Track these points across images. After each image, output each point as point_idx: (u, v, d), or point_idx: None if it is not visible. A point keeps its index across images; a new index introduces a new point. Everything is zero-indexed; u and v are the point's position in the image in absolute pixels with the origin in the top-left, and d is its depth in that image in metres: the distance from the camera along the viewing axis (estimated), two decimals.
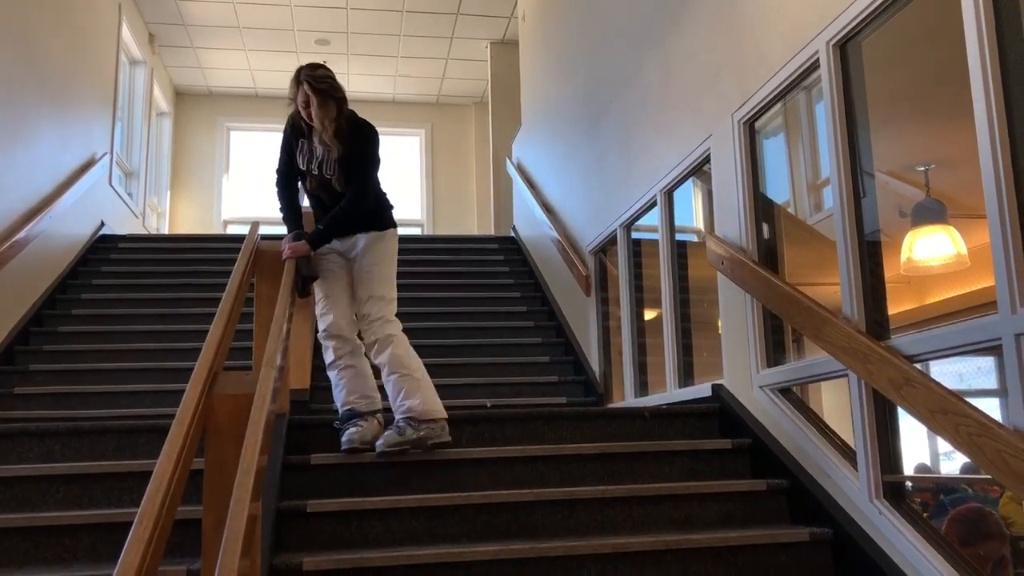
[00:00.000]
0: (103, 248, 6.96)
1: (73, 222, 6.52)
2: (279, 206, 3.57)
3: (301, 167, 3.49)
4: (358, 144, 3.42)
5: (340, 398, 3.41)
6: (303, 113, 3.35)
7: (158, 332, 5.49)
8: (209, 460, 2.17)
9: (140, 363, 5.07)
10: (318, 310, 3.49)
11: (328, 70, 3.37)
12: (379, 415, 3.42)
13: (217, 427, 2.16)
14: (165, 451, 1.85)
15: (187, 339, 5.36)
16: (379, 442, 3.20)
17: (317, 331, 3.53)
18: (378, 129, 3.55)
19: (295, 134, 3.50)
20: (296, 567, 2.58)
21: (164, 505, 1.70)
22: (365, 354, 3.48)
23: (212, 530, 2.12)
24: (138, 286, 6.24)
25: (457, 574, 2.69)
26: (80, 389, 4.76)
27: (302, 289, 3.40)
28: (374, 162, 3.48)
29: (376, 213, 3.53)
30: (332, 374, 3.44)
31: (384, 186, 3.65)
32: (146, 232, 8.88)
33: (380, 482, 3.21)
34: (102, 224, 7.27)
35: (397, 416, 3.28)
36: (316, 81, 3.29)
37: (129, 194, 8.46)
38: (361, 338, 3.47)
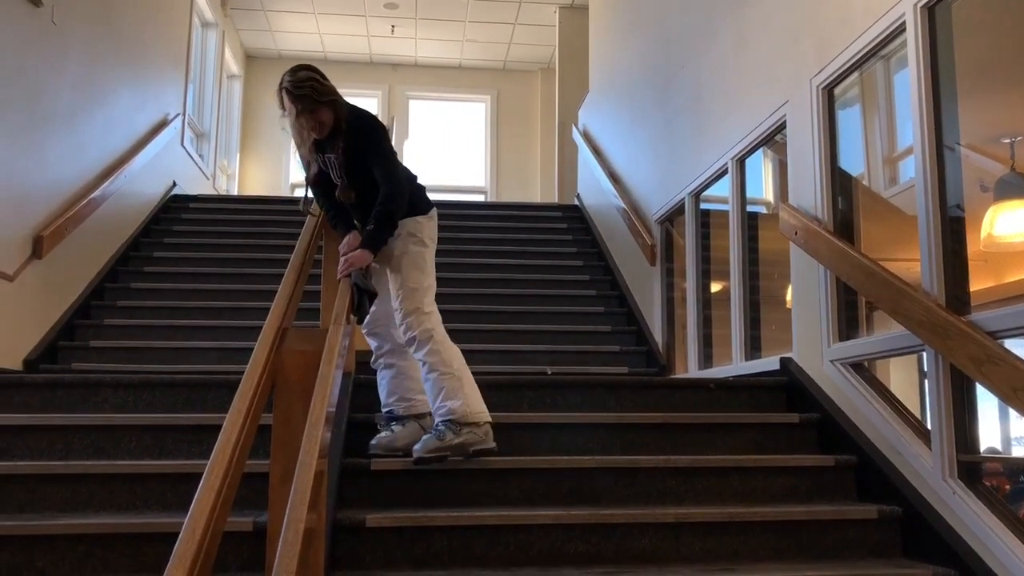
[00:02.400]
0: (175, 207, 7.11)
1: (146, 181, 6.67)
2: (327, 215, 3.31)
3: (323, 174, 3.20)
4: (360, 141, 3.04)
5: (382, 397, 3.23)
6: (293, 124, 2.98)
7: (226, 291, 5.60)
8: (277, 415, 2.20)
9: (208, 320, 5.18)
10: None
11: (311, 71, 2.95)
12: (423, 420, 3.15)
13: (286, 382, 2.19)
14: (235, 404, 1.88)
15: (254, 299, 5.45)
16: (416, 447, 2.94)
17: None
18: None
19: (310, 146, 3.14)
20: (359, 523, 2.61)
21: (233, 457, 1.73)
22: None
23: (279, 483, 2.15)
24: (208, 246, 6.37)
25: (518, 537, 2.69)
26: (151, 344, 4.89)
27: (359, 310, 2.94)
28: (387, 148, 3.10)
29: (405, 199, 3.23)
30: (377, 372, 3.26)
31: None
32: (216, 193, 9.05)
33: None
34: (174, 184, 7.42)
35: (436, 419, 2.97)
36: (295, 87, 2.88)
37: (200, 155, 8.61)
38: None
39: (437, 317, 3.08)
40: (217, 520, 1.57)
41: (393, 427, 3.11)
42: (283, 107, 2.95)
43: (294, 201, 7.86)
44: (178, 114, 7.60)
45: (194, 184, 8.09)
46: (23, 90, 4.45)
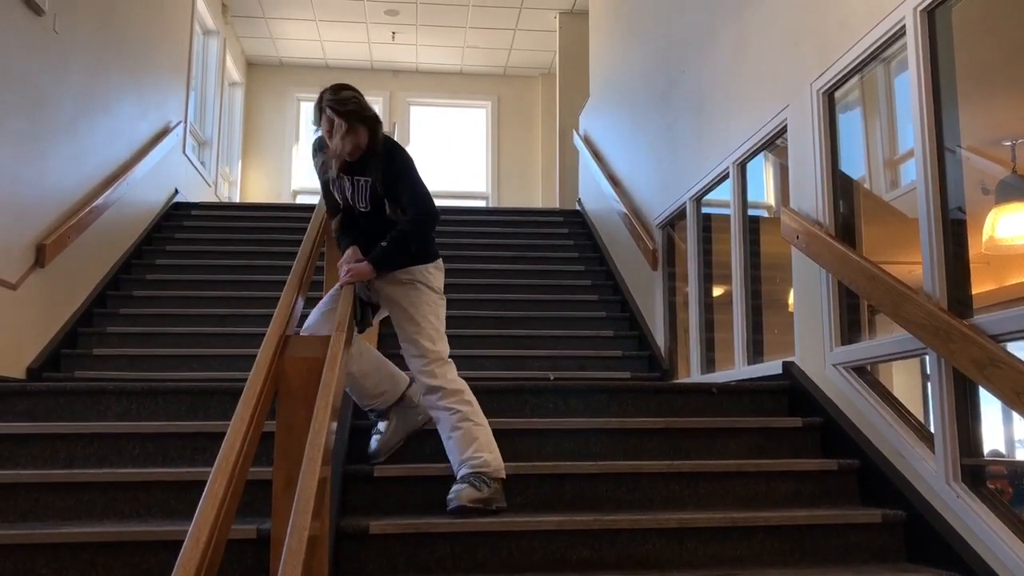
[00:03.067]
0: (177, 215, 7.12)
1: (148, 189, 6.68)
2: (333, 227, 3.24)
3: (338, 191, 3.09)
4: (393, 169, 2.96)
5: (356, 401, 3.15)
6: (329, 142, 2.94)
7: (229, 298, 5.60)
8: (280, 422, 2.20)
9: (211, 328, 5.19)
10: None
11: (353, 91, 2.94)
12: (401, 402, 3.10)
13: (288, 389, 2.20)
14: (238, 412, 1.88)
15: (257, 305, 5.45)
16: (452, 497, 2.77)
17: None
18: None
19: (325, 163, 3.08)
20: (363, 530, 2.61)
21: (237, 464, 1.73)
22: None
23: (282, 491, 2.16)
24: (210, 253, 6.37)
25: (521, 543, 2.69)
26: (154, 352, 4.89)
27: (362, 321, 3.00)
28: (417, 178, 3.00)
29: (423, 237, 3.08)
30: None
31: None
32: (218, 200, 9.06)
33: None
34: (176, 191, 7.43)
35: (466, 468, 2.81)
36: (340, 104, 2.87)
37: (202, 162, 8.62)
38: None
39: (452, 362, 3.01)
40: (221, 528, 1.57)
41: (380, 426, 3.10)
42: (318, 123, 2.96)
43: (294, 208, 7.91)
44: (180, 122, 7.61)
45: (196, 191, 8.11)
46: (25, 98, 4.47)
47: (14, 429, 3.10)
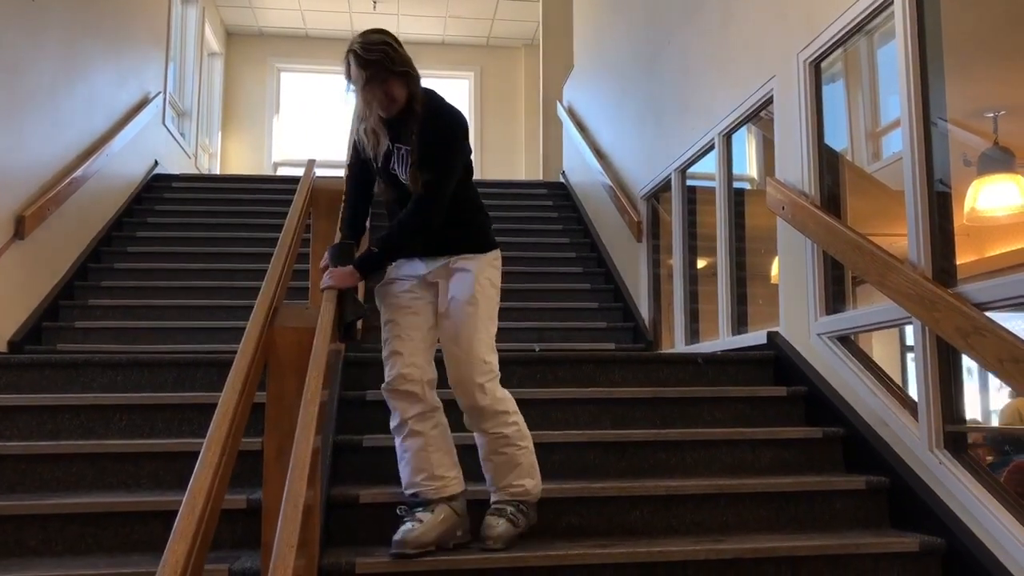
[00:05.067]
0: (157, 187, 7.04)
1: (128, 161, 6.59)
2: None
3: (376, 165, 2.64)
4: (433, 139, 2.50)
5: (404, 476, 2.54)
6: (359, 96, 2.50)
7: (211, 271, 5.56)
8: (270, 392, 2.19)
9: (194, 300, 5.16)
10: (384, 352, 2.59)
11: (385, 34, 2.48)
12: (454, 503, 2.52)
13: (278, 360, 2.19)
14: (230, 381, 1.87)
15: (240, 278, 5.42)
16: (487, 534, 2.48)
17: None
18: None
19: (359, 136, 2.65)
20: (353, 499, 2.62)
21: (230, 433, 1.73)
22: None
23: (273, 460, 2.16)
24: (192, 225, 6.31)
25: None
26: (137, 325, 4.86)
27: (344, 333, 2.51)
28: (455, 160, 2.54)
29: (467, 227, 2.63)
30: (396, 441, 2.57)
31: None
32: (198, 172, 8.97)
33: None
34: (156, 163, 7.35)
35: (504, 495, 2.54)
36: (365, 50, 2.41)
37: (182, 134, 8.52)
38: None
39: (498, 376, 2.60)
40: (215, 496, 1.57)
41: (419, 515, 2.46)
42: (348, 75, 2.47)
43: (275, 180, 7.83)
44: (159, 92, 7.51)
45: (176, 163, 8.01)
46: (4, 67, 4.39)
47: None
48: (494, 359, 2.55)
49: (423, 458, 2.50)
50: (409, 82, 2.48)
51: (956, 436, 2.70)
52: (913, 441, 2.81)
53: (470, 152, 2.64)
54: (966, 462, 2.64)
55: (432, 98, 2.57)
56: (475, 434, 2.58)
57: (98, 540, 2.52)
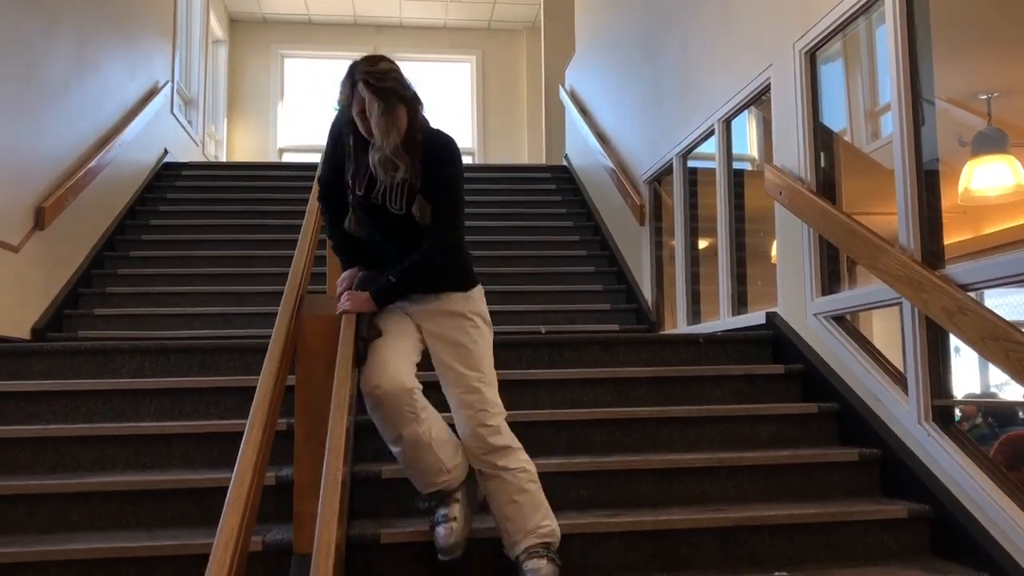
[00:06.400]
0: (167, 175, 7.18)
1: (139, 150, 6.73)
2: (326, 229, 2.71)
3: (354, 190, 2.49)
4: (439, 167, 2.43)
5: (414, 482, 2.50)
6: (360, 124, 2.39)
7: (224, 257, 5.72)
8: (300, 377, 2.35)
9: (209, 287, 5.31)
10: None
11: (391, 62, 2.42)
12: (458, 492, 2.47)
13: (306, 346, 2.34)
14: (266, 367, 2.03)
15: (253, 264, 5.58)
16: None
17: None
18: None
19: (341, 143, 2.53)
20: (375, 475, 2.79)
21: (269, 413, 1.88)
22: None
23: (304, 440, 2.32)
24: (203, 212, 6.46)
25: None
26: (155, 311, 5.03)
27: (360, 356, 2.40)
28: (461, 190, 2.49)
29: (455, 266, 2.52)
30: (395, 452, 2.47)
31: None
32: (205, 159, 9.10)
33: None
34: (165, 152, 7.48)
35: (535, 540, 2.37)
36: (377, 79, 2.32)
37: (189, 122, 8.64)
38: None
39: (504, 414, 2.51)
40: (259, 472, 1.73)
41: (440, 512, 2.44)
42: (347, 101, 2.39)
43: (283, 167, 7.96)
44: (167, 81, 7.63)
45: (184, 151, 8.15)
46: (19, 61, 4.52)
47: (35, 387, 3.24)
48: (499, 398, 2.48)
49: (433, 457, 2.40)
50: (413, 110, 2.41)
51: (943, 409, 2.85)
52: (903, 415, 2.97)
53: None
54: (953, 434, 2.80)
55: (433, 128, 2.52)
56: (488, 486, 2.43)
57: (136, 516, 2.69)
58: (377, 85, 2.32)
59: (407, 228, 2.43)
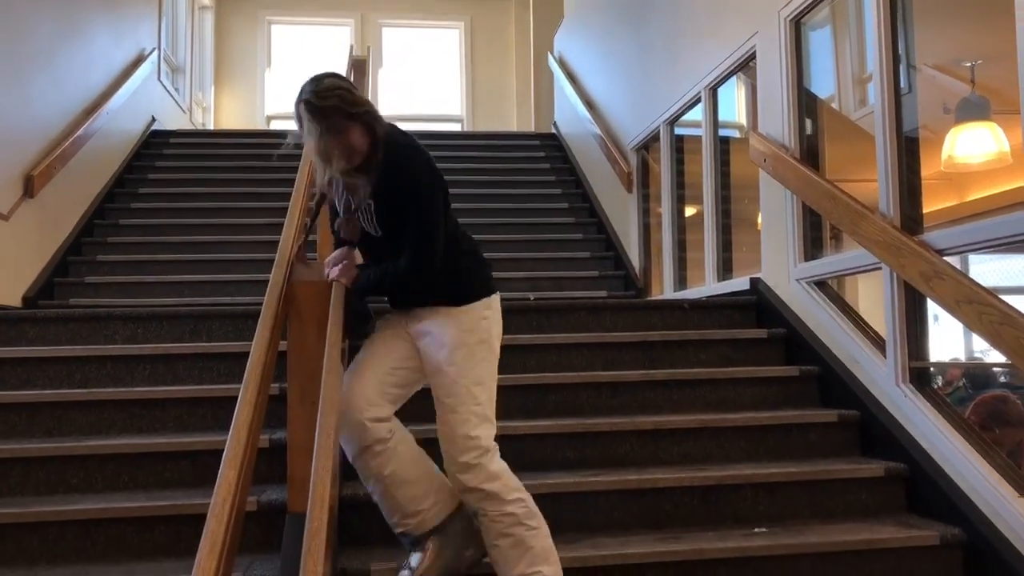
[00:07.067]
0: (156, 143, 7.16)
1: (127, 118, 6.71)
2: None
3: (332, 211, 2.45)
4: (397, 178, 2.22)
5: (385, 515, 2.34)
6: (315, 149, 2.20)
7: (213, 225, 5.73)
8: (292, 340, 2.39)
9: (198, 255, 5.34)
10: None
11: (339, 78, 2.23)
12: (442, 530, 2.29)
13: (298, 311, 2.38)
14: (259, 331, 2.07)
15: (242, 232, 5.60)
16: None
17: None
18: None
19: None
20: None
21: (264, 374, 1.94)
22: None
23: (297, 402, 2.36)
24: (192, 181, 6.47)
25: (513, 445, 2.90)
26: (145, 279, 5.06)
27: (356, 330, 2.37)
28: (432, 207, 2.23)
29: (453, 276, 2.30)
30: (364, 480, 2.33)
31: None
32: (193, 127, 9.06)
33: None
34: (153, 120, 7.45)
35: None
36: (319, 97, 2.15)
37: (176, 89, 8.59)
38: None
39: (496, 450, 2.27)
40: (254, 430, 1.78)
41: (412, 560, 2.29)
42: (301, 126, 2.22)
43: (272, 135, 7.94)
44: (154, 48, 7.58)
45: (172, 119, 8.11)
46: (5, 27, 4.49)
47: (31, 353, 3.29)
48: (484, 432, 2.22)
49: (391, 497, 2.27)
50: (373, 125, 2.22)
51: (920, 371, 2.93)
52: (881, 377, 3.05)
53: (446, 192, 2.32)
54: (929, 395, 2.88)
55: (394, 138, 2.27)
56: (479, 520, 2.23)
57: (134, 478, 2.75)
58: (317, 104, 2.14)
59: (392, 246, 2.26)
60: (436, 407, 2.27)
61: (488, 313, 2.32)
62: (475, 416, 2.21)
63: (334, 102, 2.14)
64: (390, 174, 2.22)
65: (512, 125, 10.85)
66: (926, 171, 3.08)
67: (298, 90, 2.22)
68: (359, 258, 2.45)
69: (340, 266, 2.31)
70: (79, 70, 5.64)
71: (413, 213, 2.21)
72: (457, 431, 2.19)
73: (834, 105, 3.93)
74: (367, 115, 2.20)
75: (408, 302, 2.35)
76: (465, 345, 2.25)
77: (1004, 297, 2.39)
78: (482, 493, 2.18)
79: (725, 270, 4.42)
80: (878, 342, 3.15)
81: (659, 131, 5.12)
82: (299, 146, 2.39)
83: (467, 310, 2.28)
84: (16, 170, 4.62)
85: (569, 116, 7.61)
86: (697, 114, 4.65)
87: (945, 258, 2.65)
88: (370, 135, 2.21)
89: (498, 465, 2.22)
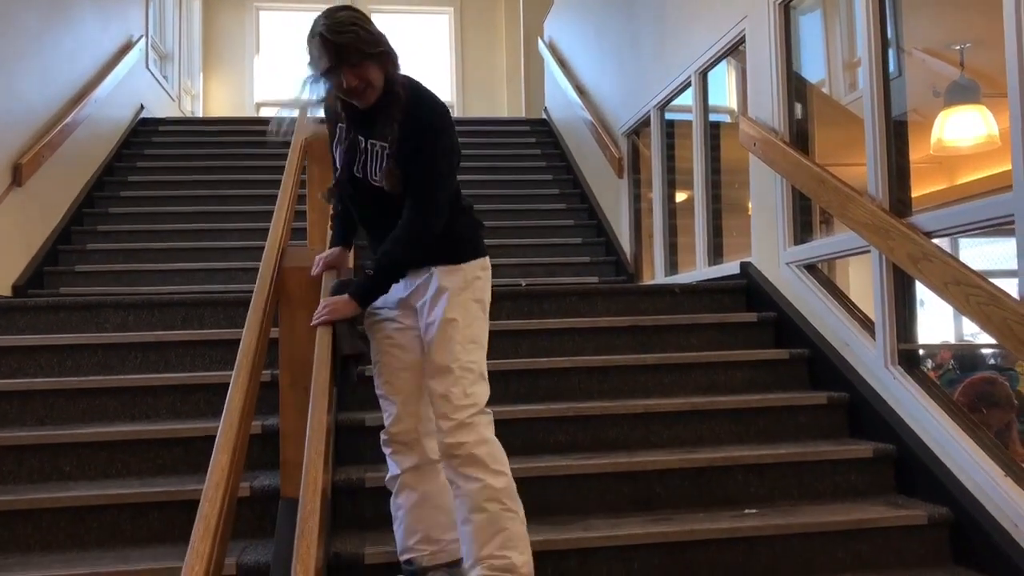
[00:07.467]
0: (144, 131, 7.13)
1: (115, 106, 6.67)
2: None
3: (334, 162, 2.31)
4: (416, 130, 2.12)
5: (399, 539, 2.29)
6: (329, 83, 2.14)
7: (204, 213, 5.72)
8: (283, 327, 2.41)
9: (189, 243, 5.33)
10: (376, 391, 2.32)
11: (355, 12, 2.10)
12: (455, 570, 2.24)
13: (288, 297, 2.39)
14: (250, 318, 2.08)
15: (232, 220, 5.59)
16: None
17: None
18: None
19: (334, 118, 2.31)
20: (359, 423, 2.86)
21: (255, 360, 1.94)
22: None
23: (288, 387, 2.38)
24: (181, 169, 6.44)
25: (503, 430, 2.90)
26: (136, 268, 5.05)
27: (342, 375, 2.17)
28: (443, 161, 2.16)
29: (446, 237, 2.20)
30: (392, 499, 2.30)
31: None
32: (182, 115, 9.01)
33: None
34: (141, 107, 7.41)
35: (483, 570, 2.06)
36: (334, 32, 2.02)
37: (164, 76, 8.54)
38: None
39: (490, 417, 2.19)
40: (247, 414, 1.79)
41: None
42: (315, 65, 2.11)
43: (261, 121, 7.91)
44: (142, 35, 7.53)
45: (161, 107, 8.07)
46: None
47: (22, 341, 3.28)
48: (480, 390, 2.16)
49: (417, 516, 2.24)
50: (387, 63, 2.11)
51: (908, 353, 2.96)
52: (871, 359, 3.07)
53: (459, 152, 2.26)
54: (918, 377, 2.90)
55: (413, 84, 2.20)
56: (455, 494, 2.14)
57: (127, 465, 2.76)
58: (335, 38, 2.02)
59: (389, 201, 2.15)
60: (427, 368, 2.18)
61: (482, 274, 2.27)
62: (471, 373, 2.15)
63: (350, 38, 2.03)
64: (410, 122, 2.11)
65: (503, 111, 10.82)
66: (916, 155, 3.10)
67: (311, 23, 2.10)
68: (351, 260, 2.42)
69: (326, 307, 2.15)
70: (66, 57, 5.61)
71: (424, 165, 2.11)
72: (453, 388, 2.12)
73: (824, 89, 3.94)
74: (383, 54, 2.10)
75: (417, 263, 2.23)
76: (461, 303, 2.18)
77: (994, 280, 2.40)
78: (469, 458, 2.08)
79: (716, 255, 4.43)
80: (867, 325, 3.17)
81: (649, 116, 5.12)
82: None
83: (463, 268, 2.21)
84: (3, 158, 4.60)
85: (560, 101, 7.60)
86: (687, 99, 4.65)
87: (933, 240, 2.67)
88: (385, 74, 2.11)
89: (491, 432, 2.16)
